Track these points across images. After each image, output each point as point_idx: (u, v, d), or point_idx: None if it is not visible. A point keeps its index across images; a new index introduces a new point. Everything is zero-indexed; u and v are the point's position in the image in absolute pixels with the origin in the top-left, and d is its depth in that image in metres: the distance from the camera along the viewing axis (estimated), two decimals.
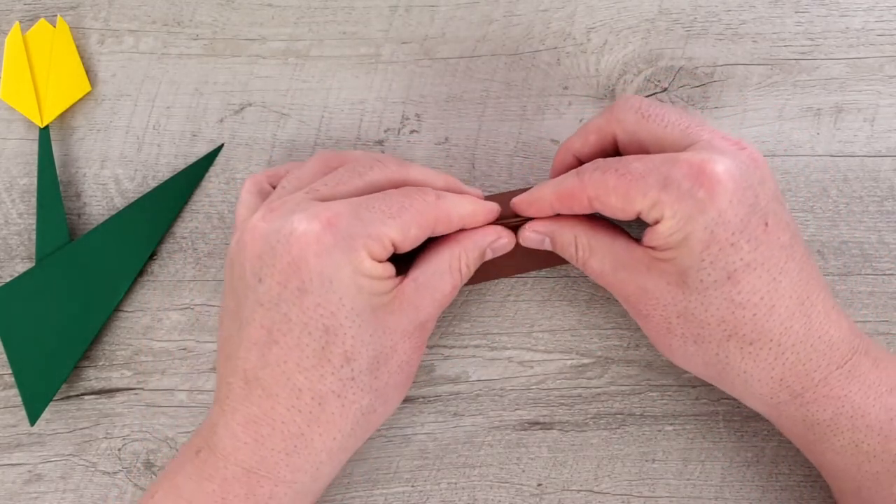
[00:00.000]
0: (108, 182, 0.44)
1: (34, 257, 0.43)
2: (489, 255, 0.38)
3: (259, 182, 0.39)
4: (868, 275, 0.42)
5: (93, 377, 0.43)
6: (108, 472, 0.43)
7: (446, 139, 0.44)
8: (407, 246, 0.34)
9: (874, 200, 0.43)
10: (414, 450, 0.43)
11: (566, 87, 0.44)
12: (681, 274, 0.33)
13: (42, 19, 0.44)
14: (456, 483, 0.42)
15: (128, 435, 0.43)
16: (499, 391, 0.43)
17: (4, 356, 0.43)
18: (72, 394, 0.43)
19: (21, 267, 0.44)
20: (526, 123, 0.43)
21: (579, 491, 0.42)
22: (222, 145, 0.44)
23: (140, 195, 0.43)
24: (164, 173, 0.44)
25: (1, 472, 0.43)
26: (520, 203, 0.38)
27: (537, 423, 0.43)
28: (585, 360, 0.43)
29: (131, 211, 0.43)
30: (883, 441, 0.34)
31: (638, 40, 0.43)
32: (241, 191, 0.38)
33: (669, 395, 0.42)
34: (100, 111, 0.44)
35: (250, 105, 0.44)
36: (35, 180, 0.43)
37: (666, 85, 0.43)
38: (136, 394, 0.43)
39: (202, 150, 0.44)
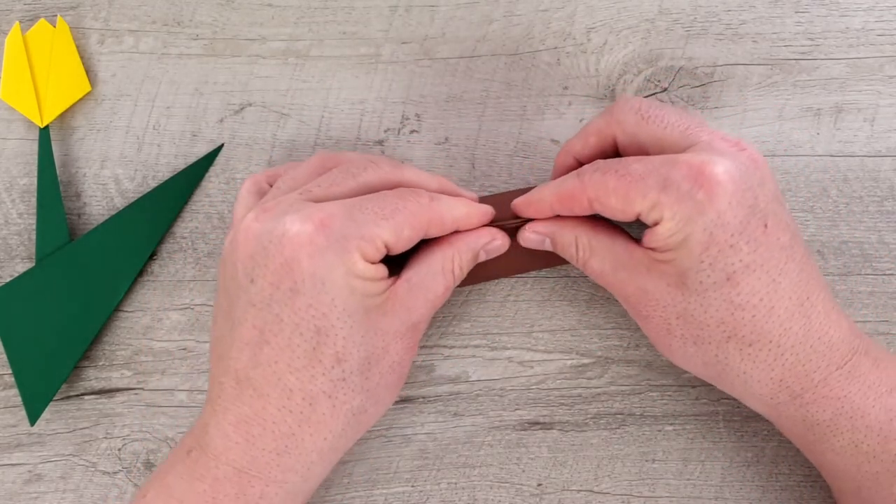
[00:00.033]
0: (108, 182, 0.44)
1: (34, 257, 0.43)
2: (483, 257, 0.38)
3: (258, 182, 0.39)
4: (868, 275, 0.42)
5: (93, 377, 0.43)
6: (108, 472, 0.43)
7: (446, 139, 0.44)
8: (400, 247, 0.34)
9: (874, 200, 0.43)
10: (414, 450, 0.43)
11: (566, 87, 0.43)
12: (680, 275, 0.33)
13: (42, 19, 0.44)
14: (456, 483, 0.42)
15: (128, 435, 0.43)
16: (499, 391, 0.43)
17: (4, 356, 0.43)
18: (72, 394, 0.43)
19: (21, 267, 0.44)
20: (526, 123, 0.43)
21: (579, 491, 0.42)
22: (222, 145, 0.44)
23: (140, 195, 0.43)
24: (164, 173, 0.44)
25: (1, 472, 0.43)
26: (520, 204, 0.38)
27: (537, 423, 0.43)
28: (585, 360, 0.43)
29: (131, 211, 0.43)
30: (882, 441, 0.34)
31: (638, 40, 0.43)
32: (240, 190, 0.38)
33: (669, 395, 0.43)
34: (100, 111, 0.44)
35: (250, 105, 0.44)
36: (35, 180, 0.43)
37: (666, 85, 0.43)
38: (136, 394, 0.43)
39: (202, 150, 0.44)
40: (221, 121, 0.44)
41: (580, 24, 0.44)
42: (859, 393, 0.34)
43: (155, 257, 0.43)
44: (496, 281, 0.43)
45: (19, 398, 0.42)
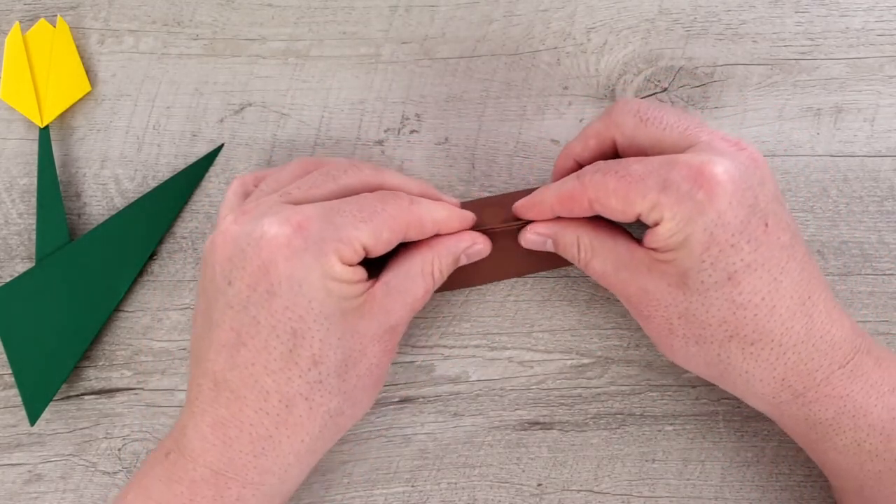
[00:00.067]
0: (108, 182, 0.44)
1: (34, 257, 0.43)
2: (464, 261, 0.38)
3: (245, 184, 0.39)
4: (868, 275, 0.42)
5: (93, 377, 0.43)
6: (108, 472, 0.43)
7: (446, 139, 0.44)
8: (379, 250, 0.34)
9: (874, 200, 0.43)
10: (414, 450, 0.43)
11: (566, 87, 0.43)
12: (681, 275, 0.33)
13: (42, 19, 0.44)
14: (456, 483, 0.42)
15: (128, 435, 0.43)
16: (499, 391, 0.43)
17: (4, 356, 0.43)
18: (72, 394, 0.43)
19: (21, 267, 0.44)
20: (526, 123, 0.43)
21: (579, 491, 0.42)
22: (222, 145, 0.44)
23: (140, 195, 0.43)
24: (164, 173, 0.44)
25: (1, 472, 0.43)
26: (521, 207, 0.38)
27: (537, 423, 0.43)
28: (585, 360, 0.43)
29: (131, 211, 0.43)
30: (885, 440, 0.34)
31: (638, 40, 0.43)
32: (226, 191, 0.38)
33: (669, 395, 0.43)
34: (100, 111, 0.44)
35: (250, 105, 0.44)
36: (35, 180, 0.43)
37: (666, 85, 0.43)
38: (136, 394, 0.43)
39: (202, 150, 0.44)
40: (221, 121, 0.44)
41: (580, 24, 0.44)
42: (862, 392, 0.34)
43: (155, 257, 0.43)
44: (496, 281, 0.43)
45: (19, 398, 0.42)
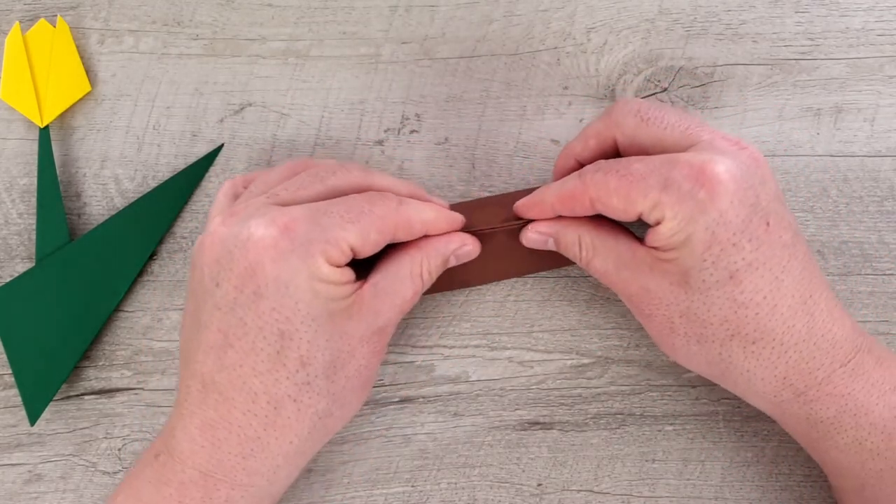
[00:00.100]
0: (108, 182, 0.44)
1: (34, 257, 0.43)
2: (453, 262, 0.38)
3: (236, 185, 0.39)
4: (868, 275, 0.42)
5: (93, 377, 0.43)
6: (108, 472, 0.43)
7: (446, 139, 0.44)
8: (367, 251, 0.34)
9: (874, 200, 0.43)
10: (414, 450, 0.43)
11: (566, 87, 0.44)
12: (683, 274, 0.33)
13: (42, 19, 0.44)
14: (456, 483, 0.42)
15: (128, 435, 0.43)
16: (499, 391, 0.43)
17: (4, 356, 0.43)
18: (72, 394, 0.43)
19: (21, 267, 0.44)
20: (526, 123, 0.43)
21: (579, 491, 0.42)
22: (222, 145, 0.44)
23: (140, 195, 0.43)
24: (164, 173, 0.44)
25: (1, 472, 0.43)
26: (522, 206, 0.38)
27: (537, 423, 0.43)
28: (585, 360, 0.43)
29: (131, 211, 0.43)
30: (886, 439, 0.34)
31: (638, 40, 0.43)
32: (217, 193, 0.38)
33: (669, 395, 0.43)
34: (100, 111, 0.44)
35: (250, 105, 0.44)
36: (35, 180, 0.43)
37: (666, 85, 0.43)
38: (136, 394, 0.43)
39: (202, 150, 0.44)
40: (221, 121, 0.44)
41: (580, 24, 0.44)
42: (863, 390, 0.34)
43: (155, 257, 0.43)
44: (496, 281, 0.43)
45: (19, 398, 0.42)
